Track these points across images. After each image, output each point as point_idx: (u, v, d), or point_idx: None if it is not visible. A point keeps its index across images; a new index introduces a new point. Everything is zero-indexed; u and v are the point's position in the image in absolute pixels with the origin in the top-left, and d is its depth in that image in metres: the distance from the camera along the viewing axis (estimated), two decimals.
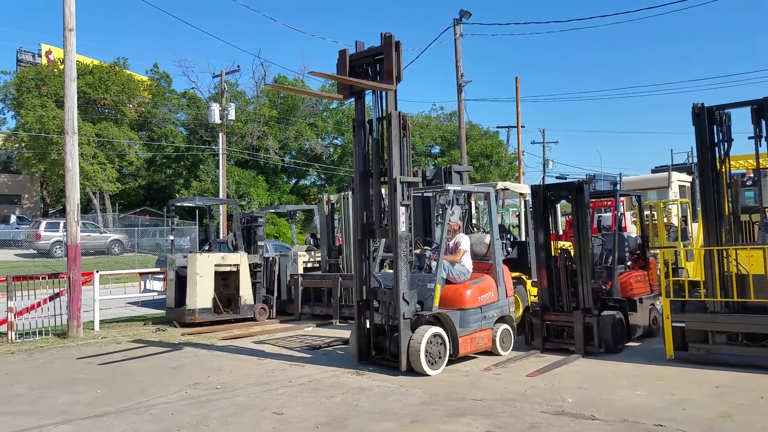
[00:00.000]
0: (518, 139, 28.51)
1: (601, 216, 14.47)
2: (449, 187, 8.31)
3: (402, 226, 7.49)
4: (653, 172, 23.49)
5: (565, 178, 50.03)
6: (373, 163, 8.11)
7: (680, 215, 15.53)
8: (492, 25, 59.98)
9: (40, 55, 46.61)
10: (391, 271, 7.85)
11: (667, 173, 18.79)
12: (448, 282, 8.20)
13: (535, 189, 9.25)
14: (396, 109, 7.75)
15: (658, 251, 12.36)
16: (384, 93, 7.90)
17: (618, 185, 23.78)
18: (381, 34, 7.80)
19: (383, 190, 8.10)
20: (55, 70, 35.57)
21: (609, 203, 15.12)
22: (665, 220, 14.77)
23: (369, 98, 8.32)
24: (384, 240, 8.41)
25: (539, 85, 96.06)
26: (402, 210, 7.51)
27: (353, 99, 8.28)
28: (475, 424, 5.53)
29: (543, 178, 47.42)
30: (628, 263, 9.82)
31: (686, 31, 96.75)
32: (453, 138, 41.10)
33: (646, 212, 14.73)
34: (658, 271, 11.71)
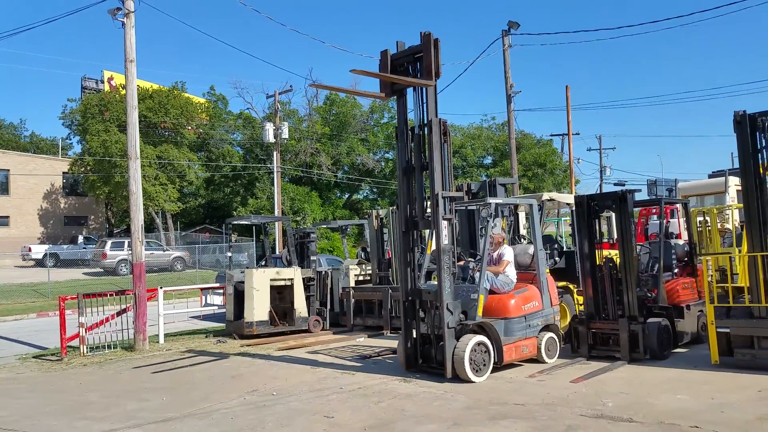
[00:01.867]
0: (569, 148, 28.39)
1: (654, 223, 14.39)
2: (491, 200, 8.56)
3: (445, 239, 7.80)
4: (710, 176, 23.00)
5: (624, 185, 49.00)
6: (415, 158, 8.41)
7: (737, 220, 15.25)
8: (541, 35, 59.74)
9: (102, 82, 48.95)
10: (436, 282, 8.14)
11: (723, 178, 18.45)
12: (492, 292, 8.45)
13: (578, 199, 9.41)
14: (436, 114, 8.08)
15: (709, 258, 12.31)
16: (424, 90, 8.22)
17: (674, 191, 23.41)
18: (420, 33, 8.15)
19: (424, 183, 8.39)
20: (117, 96, 37.31)
21: (657, 211, 15.04)
22: (719, 225, 14.57)
23: (411, 97, 8.60)
24: (429, 253, 8.70)
25: (592, 92, 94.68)
26: (444, 224, 7.82)
27: (395, 97, 8.62)
28: (514, 426, 5.77)
29: (600, 185, 46.70)
30: (675, 270, 9.83)
31: (737, 35, 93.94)
32: (505, 148, 41.02)
33: (700, 218, 14.59)
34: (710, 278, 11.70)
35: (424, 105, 8.24)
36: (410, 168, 8.44)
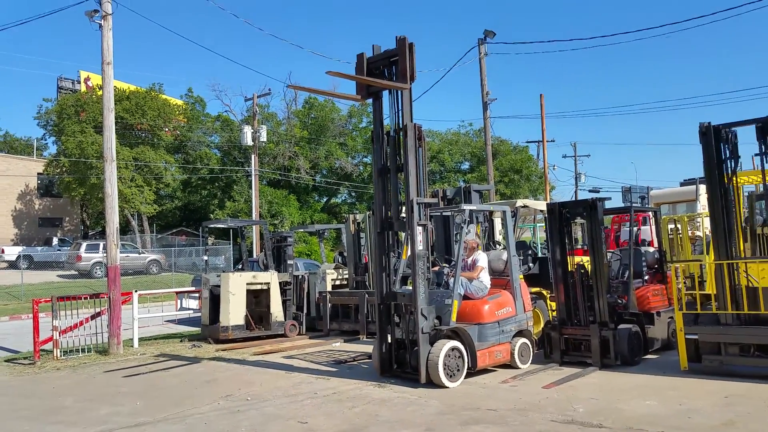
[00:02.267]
0: (544, 155, 28.72)
1: (627, 230, 14.61)
2: (465, 207, 8.68)
3: (419, 245, 7.88)
4: (682, 184, 23.43)
5: (598, 191, 49.53)
6: (390, 160, 8.51)
7: (707, 228, 15.54)
8: (516, 44, 59.97)
9: (79, 82, 48.42)
10: (410, 287, 8.21)
11: (694, 186, 18.80)
12: (466, 297, 8.55)
13: (550, 206, 9.55)
14: (411, 117, 8.25)
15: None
16: (400, 93, 8.36)
17: (647, 198, 23.78)
18: (396, 37, 8.27)
19: (400, 185, 8.49)
20: (93, 96, 36.92)
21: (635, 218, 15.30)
22: (690, 233, 14.85)
23: (386, 101, 8.70)
24: (404, 258, 8.78)
25: (568, 100, 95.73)
26: (419, 230, 7.91)
27: (371, 99, 8.73)
28: (486, 431, 5.86)
29: (575, 191, 47.29)
30: (646, 277, 10.02)
31: (711, 44, 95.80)
32: (482, 154, 41.20)
33: (671, 226, 14.86)
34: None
35: (400, 108, 8.36)
36: (386, 170, 8.56)
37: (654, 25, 65.52)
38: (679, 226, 14.58)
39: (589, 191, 46.34)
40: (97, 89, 37.26)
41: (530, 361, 8.94)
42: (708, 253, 14.35)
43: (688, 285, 10.80)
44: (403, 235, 9.26)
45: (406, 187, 8.03)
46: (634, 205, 10.74)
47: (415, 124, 8.19)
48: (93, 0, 11.87)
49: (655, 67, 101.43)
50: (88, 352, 11.52)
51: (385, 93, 8.67)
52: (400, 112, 8.35)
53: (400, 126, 8.33)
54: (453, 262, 9.08)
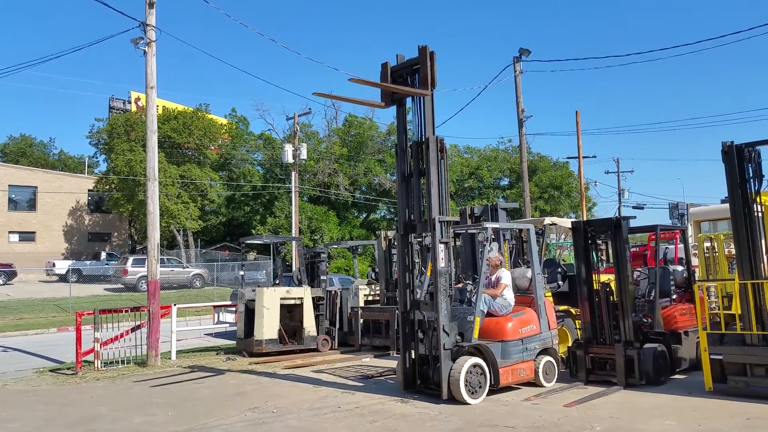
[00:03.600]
0: (580, 171, 28.41)
1: (667, 248, 14.44)
2: (486, 224, 8.80)
3: (441, 263, 8.05)
4: (723, 202, 22.96)
5: (642, 208, 48.84)
6: (414, 165, 8.74)
7: None
8: (551, 62, 59.57)
9: (129, 102, 50.15)
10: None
11: None
12: (490, 315, 8.65)
13: (575, 225, 9.60)
14: (433, 124, 8.51)
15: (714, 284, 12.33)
16: (422, 99, 8.60)
17: (686, 215, 23.32)
18: (418, 46, 8.57)
19: (422, 189, 8.67)
20: (143, 116, 38.16)
21: (672, 236, 15.15)
22: (726, 252, 14.57)
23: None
24: (428, 275, 8.93)
25: (609, 115, 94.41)
26: (441, 247, 8.07)
27: (395, 106, 9.01)
28: None
29: (618, 208, 46.59)
30: (674, 296, 9.94)
31: (746, 60, 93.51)
32: (521, 170, 41.15)
33: (707, 244, 14.61)
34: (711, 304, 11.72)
35: (422, 115, 8.59)
36: (409, 174, 8.78)
37: (692, 41, 64.15)
38: (715, 244, 14.34)
39: (633, 207, 45.70)
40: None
41: (555, 380, 8.95)
42: None
43: (726, 305, 10.64)
44: (426, 252, 9.42)
45: (429, 203, 8.22)
46: (660, 224, 10.63)
47: (437, 137, 8.40)
48: (138, 28, 12.46)
49: (699, 81, 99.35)
50: (127, 363, 11.97)
51: (409, 100, 8.95)
52: (423, 119, 8.57)
53: (423, 134, 8.55)
54: (477, 279, 9.20)
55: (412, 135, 8.85)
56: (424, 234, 10.01)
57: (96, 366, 11.51)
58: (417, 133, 8.70)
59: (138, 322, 12.44)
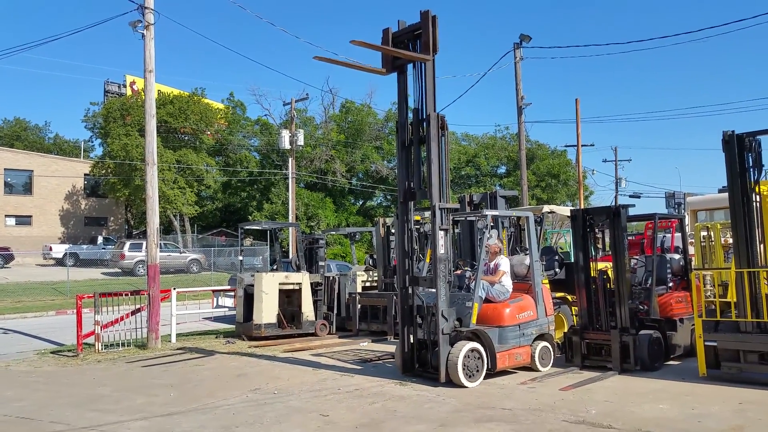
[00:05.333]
0: (578, 160, 28.46)
1: (664, 237, 14.58)
2: (486, 212, 8.89)
3: (441, 249, 8.14)
4: (720, 191, 23.11)
5: (639, 197, 49.06)
6: (414, 133, 8.77)
7: None
8: (552, 48, 59.81)
9: (125, 86, 49.89)
10: (434, 290, 8.46)
11: None
12: (488, 301, 8.76)
13: (574, 213, 9.71)
14: (434, 95, 8.50)
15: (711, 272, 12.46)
16: (423, 65, 8.58)
17: (683, 204, 23.39)
18: (420, 11, 8.52)
19: (422, 155, 8.73)
20: (139, 100, 38.11)
21: (669, 224, 15.27)
22: (723, 241, 14.71)
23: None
24: (428, 261, 9.04)
25: (607, 104, 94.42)
26: (441, 234, 8.16)
27: (396, 73, 8.97)
28: (497, 429, 6.10)
29: (615, 196, 46.80)
30: (670, 284, 10.07)
31: (747, 49, 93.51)
32: (519, 158, 41.24)
33: (704, 233, 14.75)
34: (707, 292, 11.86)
35: (423, 82, 8.57)
36: (409, 142, 8.82)
37: (693, 29, 64.19)
38: (711, 233, 14.47)
39: (629, 196, 45.95)
40: (142, 93, 38.43)
41: (551, 365, 9.08)
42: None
43: (721, 293, 10.77)
44: (424, 239, 9.49)
45: (429, 187, 8.26)
46: (658, 213, 10.74)
47: (438, 114, 8.43)
48: (136, 11, 12.44)
49: (701, 69, 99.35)
50: (127, 346, 12.07)
51: (409, 68, 8.87)
52: (424, 86, 8.56)
53: (424, 102, 8.56)
54: (475, 266, 9.31)
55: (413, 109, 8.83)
56: (423, 221, 10.12)
57: (97, 348, 11.61)
58: (418, 102, 8.70)
59: (138, 306, 12.53)
